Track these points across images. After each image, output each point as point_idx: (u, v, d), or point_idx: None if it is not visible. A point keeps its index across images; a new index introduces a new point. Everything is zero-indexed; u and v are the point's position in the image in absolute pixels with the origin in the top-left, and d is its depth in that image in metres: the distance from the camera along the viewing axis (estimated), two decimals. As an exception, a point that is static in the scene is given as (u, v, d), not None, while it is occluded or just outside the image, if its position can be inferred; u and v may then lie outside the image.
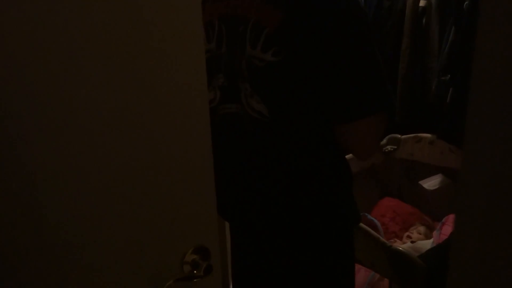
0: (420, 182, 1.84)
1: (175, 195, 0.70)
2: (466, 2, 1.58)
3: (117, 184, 0.64)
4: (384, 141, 1.92)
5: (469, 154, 0.46)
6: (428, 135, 1.86)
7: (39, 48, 0.54)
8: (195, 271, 0.71)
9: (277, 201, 0.95)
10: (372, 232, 1.41)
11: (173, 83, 0.65)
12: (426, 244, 1.58)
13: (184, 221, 0.72)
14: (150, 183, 0.67)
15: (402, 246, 1.53)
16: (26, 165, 0.56)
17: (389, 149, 1.93)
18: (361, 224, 1.42)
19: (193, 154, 0.70)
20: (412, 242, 1.65)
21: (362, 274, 1.63)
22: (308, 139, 0.92)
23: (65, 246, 0.61)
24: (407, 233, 1.76)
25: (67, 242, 0.61)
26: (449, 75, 1.69)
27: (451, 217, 1.70)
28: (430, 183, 1.83)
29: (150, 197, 0.68)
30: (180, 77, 0.65)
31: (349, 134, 0.90)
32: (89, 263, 0.64)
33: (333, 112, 0.88)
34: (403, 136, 1.93)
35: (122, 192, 0.65)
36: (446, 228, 1.66)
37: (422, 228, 1.76)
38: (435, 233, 1.69)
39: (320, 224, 0.97)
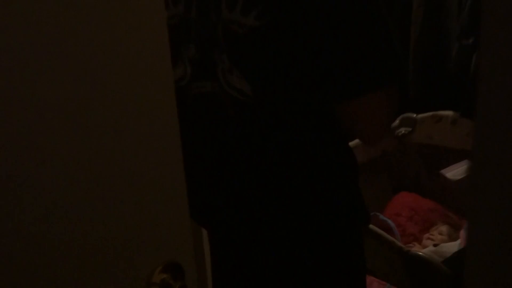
0: (442, 172, 1.85)
1: (137, 201, 0.70)
2: None
3: (60, 189, 0.64)
4: (397, 122, 1.93)
5: (482, 139, 0.47)
6: (450, 112, 1.88)
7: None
8: (165, 294, 0.72)
9: (267, 201, 0.96)
10: (386, 235, 1.43)
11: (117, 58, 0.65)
12: (452, 247, 1.60)
13: (149, 232, 0.72)
14: (102, 186, 0.67)
15: (423, 250, 1.56)
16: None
17: (402, 132, 1.95)
18: (372, 226, 1.44)
19: (156, 149, 0.70)
20: (434, 245, 1.66)
21: (375, 287, 1.65)
22: (303, 123, 0.93)
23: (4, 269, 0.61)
24: (428, 235, 1.79)
25: (5, 266, 0.61)
26: (472, 38, 1.70)
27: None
28: (454, 172, 1.84)
29: (103, 204, 0.68)
30: (129, 52, 0.65)
31: (353, 114, 0.91)
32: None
33: (332, 87, 0.89)
34: (419, 116, 1.94)
35: (68, 198, 0.65)
36: (475, 226, 1.69)
37: (445, 228, 1.79)
38: (462, 232, 1.72)
39: (321, 229, 0.98)
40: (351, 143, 1.01)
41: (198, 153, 1.00)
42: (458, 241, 1.68)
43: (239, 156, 0.96)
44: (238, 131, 0.94)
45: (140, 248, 0.71)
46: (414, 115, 1.94)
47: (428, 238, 1.77)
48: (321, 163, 0.96)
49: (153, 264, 0.71)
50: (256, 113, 0.91)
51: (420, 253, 1.37)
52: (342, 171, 1.00)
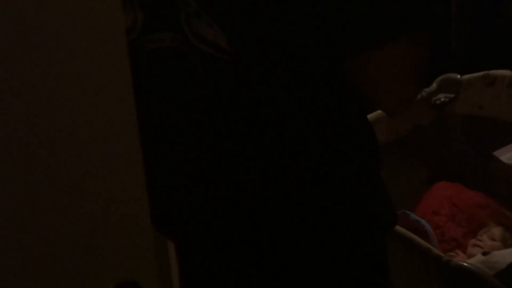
0: (495, 153, 1.86)
1: (82, 205, 0.71)
2: None
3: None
4: (434, 86, 1.94)
5: None
6: (507, 72, 1.87)
7: None
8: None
9: (254, 198, 0.97)
10: (419, 240, 1.44)
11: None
12: (507, 256, 1.60)
13: (97, 244, 0.73)
14: (33, 188, 0.68)
15: (469, 260, 1.57)
16: None
17: (442, 99, 1.96)
18: (399, 229, 1.45)
19: (101, 129, 0.71)
20: (484, 253, 1.66)
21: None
22: (299, 89, 0.92)
23: None
24: (474, 240, 1.79)
25: None
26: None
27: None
28: (511, 153, 1.85)
29: (38, 209, 0.69)
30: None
31: (370, 72, 0.92)
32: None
33: (341, 36, 0.89)
34: (465, 76, 1.94)
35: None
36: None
37: (498, 230, 1.79)
38: None
39: (328, 236, 0.99)
40: (370, 116, 1.01)
41: (159, 136, 1.00)
42: None
43: (215, 137, 0.96)
44: (212, 101, 0.94)
45: (85, 265, 0.72)
46: (458, 76, 1.95)
47: (476, 245, 1.77)
48: (327, 145, 0.96)
49: (102, 284, 0.72)
50: (235, 75, 0.91)
51: (465, 264, 1.39)
52: (356, 156, 1.00)
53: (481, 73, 1.92)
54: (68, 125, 0.69)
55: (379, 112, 1.78)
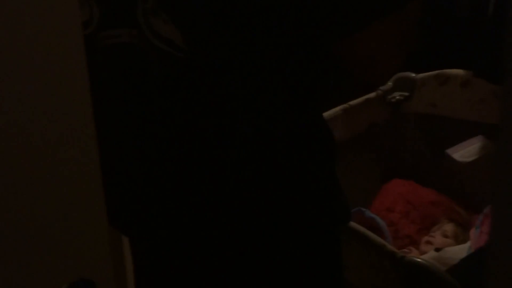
0: (448, 151, 1.88)
1: (35, 201, 0.70)
2: None
3: None
4: (390, 84, 1.95)
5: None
6: (460, 71, 1.89)
7: None
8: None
9: (208, 194, 0.97)
10: (373, 236, 1.44)
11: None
12: (459, 252, 1.63)
13: (50, 241, 0.72)
14: None
15: (422, 256, 1.58)
16: None
17: (397, 97, 1.96)
18: (354, 225, 1.45)
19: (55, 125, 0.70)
20: (437, 249, 1.69)
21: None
22: (256, 87, 0.92)
23: None
24: (428, 237, 1.81)
25: None
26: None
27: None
28: (464, 151, 1.87)
29: None
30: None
31: (352, 48, 0.92)
32: None
33: (320, 22, 0.89)
34: (420, 75, 1.95)
35: None
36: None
37: (451, 227, 1.81)
38: (473, 232, 1.76)
39: (283, 228, 0.99)
40: (326, 114, 1.02)
41: (115, 132, 0.99)
42: (467, 244, 1.71)
43: (171, 134, 0.96)
44: (169, 100, 0.94)
45: (36, 263, 0.71)
46: (413, 75, 1.95)
47: (428, 241, 1.79)
48: (283, 142, 0.96)
49: (55, 283, 0.71)
50: (192, 74, 0.90)
51: (418, 260, 1.39)
52: (311, 152, 1.00)
53: (435, 72, 1.94)
54: (21, 122, 0.68)
55: (335, 110, 1.79)
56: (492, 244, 0.51)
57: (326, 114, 1.02)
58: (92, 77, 0.71)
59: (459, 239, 1.79)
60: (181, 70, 0.91)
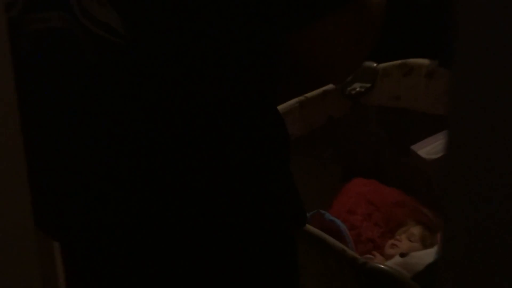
0: (413, 148, 1.89)
1: None
2: None
3: None
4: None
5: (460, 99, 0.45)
6: (425, 60, 1.90)
7: None
8: None
9: (150, 194, 0.97)
10: (333, 241, 1.42)
11: None
12: (425, 257, 1.61)
13: None
14: None
15: (387, 262, 1.57)
16: None
17: (357, 89, 1.95)
18: (311, 228, 1.43)
19: None
20: (402, 255, 1.68)
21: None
22: (204, 77, 0.92)
23: None
24: (392, 241, 1.81)
25: None
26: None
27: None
28: (431, 147, 1.87)
29: None
30: None
31: (309, 44, 0.93)
32: None
33: (280, 11, 0.89)
34: (382, 65, 1.96)
35: None
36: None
37: (417, 230, 1.81)
38: (440, 236, 1.75)
39: (233, 231, 0.99)
40: (281, 108, 0.99)
41: (42, 127, 0.97)
42: (435, 248, 1.70)
43: (108, 130, 0.94)
44: (106, 91, 0.92)
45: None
46: (374, 65, 1.96)
47: (393, 245, 1.79)
48: (232, 137, 0.96)
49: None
50: (132, 62, 0.89)
51: (382, 266, 1.37)
52: (262, 149, 0.99)
53: (398, 61, 1.98)
54: None
55: (290, 103, 1.87)
56: (444, 249, 0.50)
57: (281, 107, 1.02)
58: (17, 66, 0.66)
59: (426, 243, 1.80)
60: (120, 59, 0.90)
